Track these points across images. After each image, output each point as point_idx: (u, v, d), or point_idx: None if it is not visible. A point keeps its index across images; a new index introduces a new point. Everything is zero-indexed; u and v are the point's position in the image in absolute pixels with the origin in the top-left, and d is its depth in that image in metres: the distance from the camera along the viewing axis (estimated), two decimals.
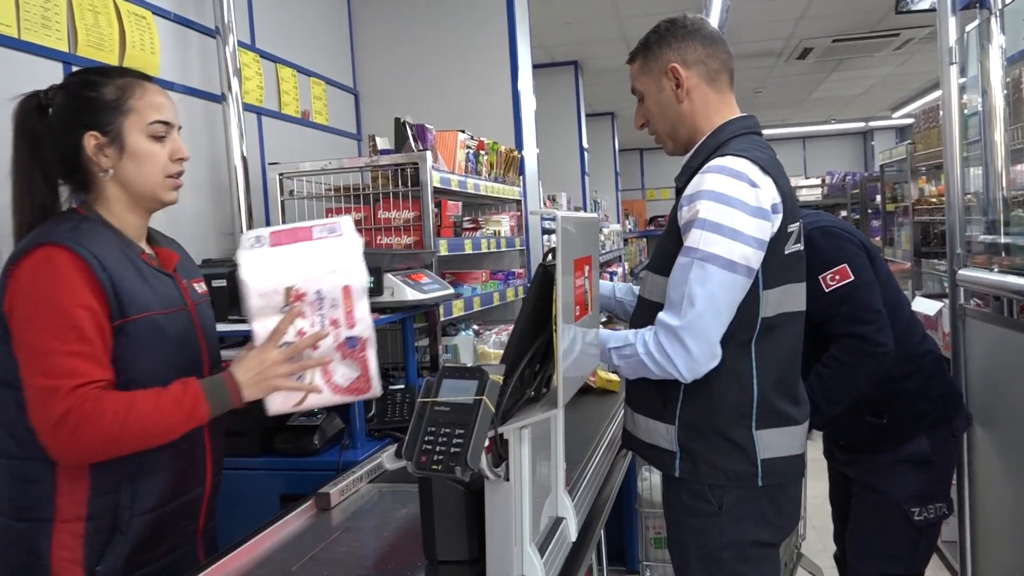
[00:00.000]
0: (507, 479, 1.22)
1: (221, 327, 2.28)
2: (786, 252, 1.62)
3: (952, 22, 2.40)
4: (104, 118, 1.42)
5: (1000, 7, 2.31)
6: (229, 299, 2.34)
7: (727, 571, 1.65)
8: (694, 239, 1.53)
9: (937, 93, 9.28)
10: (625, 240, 10.26)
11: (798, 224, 1.67)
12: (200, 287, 1.63)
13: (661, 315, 1.57)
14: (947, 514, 2.26)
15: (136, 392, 1.35)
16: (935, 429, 2.22)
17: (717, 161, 1.57)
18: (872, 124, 14.50)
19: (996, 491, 2.40)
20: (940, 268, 4.35)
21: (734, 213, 1.51)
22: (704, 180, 1.56)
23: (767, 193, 1.56)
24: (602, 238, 8.83)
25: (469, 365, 1.17)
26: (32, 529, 1.37)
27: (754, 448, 1.61)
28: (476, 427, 1.09)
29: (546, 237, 4.50)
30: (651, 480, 2.81)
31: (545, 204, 5.43)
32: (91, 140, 1.42)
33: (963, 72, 2.48)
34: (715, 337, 1.53)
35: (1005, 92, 2.38)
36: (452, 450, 1.08)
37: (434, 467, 1.08)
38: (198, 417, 1.37)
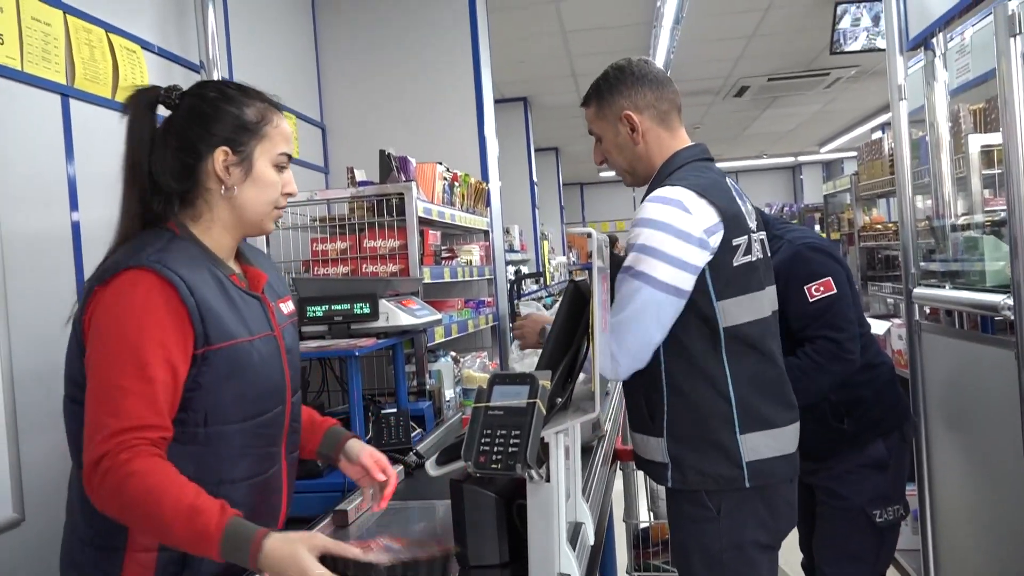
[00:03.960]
0: (548, 481, 1.31)
1: None
2: (735, 264, 1.74)
3: (900, 61, 2.62)
4: (240, 137, 1.40)
5: (943, 50, 2.53)
6: None
7: (729, 572, 1.75)
8: (631, 260, 1.69)
9: (862, 129, 9.76)
10: (570, 272, 10.45)
11: (746, 237, 1.77)
12: (287, 307, 1.57)
13: None
14: (904, 515, 2.42)
15: (171, 482, 1.21)
16: (890, 434, 2.39)
17: (655, 192, 1.74)
18: (800, 159, 15.17)
19: (955, 495, 2.57)
20: (885, 290, 4.62)
21: (666, 238, 1.66)
22: (643, 208, 1.73)
23: (700, 218, 1.69)
24: (551, 269, 9.02)
25: (518, 372, 1.25)
26: (105, 557, 1.33)
27: (739, 451, 1.72)
28: (532, 428, 1.17)
29: (511, 268, 4.61)
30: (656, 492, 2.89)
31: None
32: (221, 155, 1.38)
33: None
34: (633, 343, 1.67)
35: (950, 124, 2.60)
36: (510, 450, 1.16)
37: (493, 466, 1.16)
38: (202, 550, 1.19)
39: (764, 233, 1.92)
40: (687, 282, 1.67)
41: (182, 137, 1.38)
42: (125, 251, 1.33)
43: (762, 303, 1.81)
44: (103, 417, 1.22)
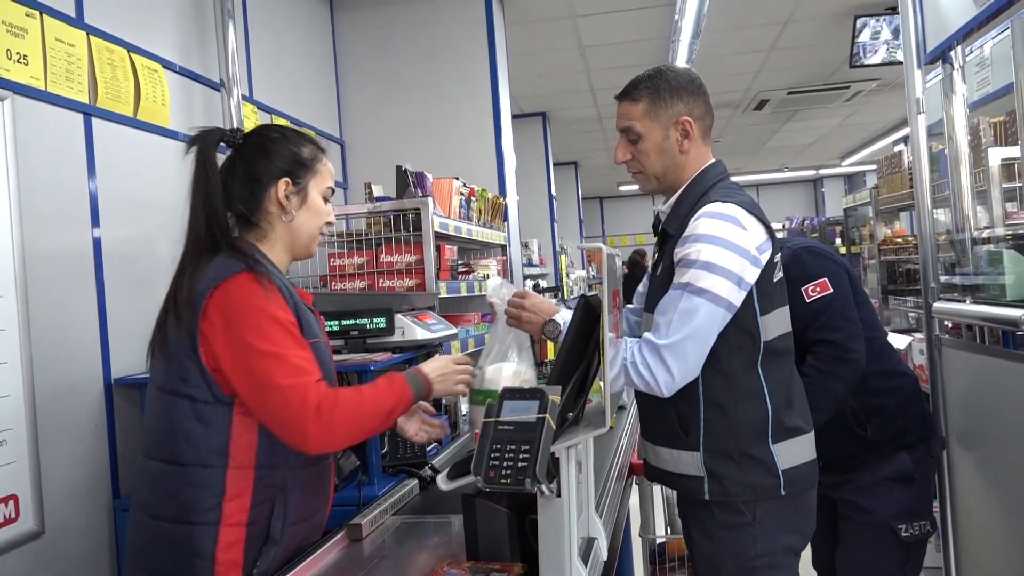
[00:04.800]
0: (559, 495, 1.31)
1: None
2: (774, 280, 1.78)
3: (918, 75, 2.60)
4: (298, 171, 1.66)
5: (962, 63, 2.51)
6: None
7: None
8: (688, 276, 1.67)
9: (884, 142, 9.64)
10: (589, 286, 10.44)
11: (779, 254, 1.83)
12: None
13: (647, 334, 1.69)
14: (931, 531, 2.38)
15: (352, 388, 1.54)
16: (915, 447, 2.35)
17: (709, 208, 1.72)
18: (822, 172, 15.08)
19: (978, 513, 2.53)
20: (907, 304, 4.57)
21: (725, 254, 1.65)
22: (700, 224, 1.70)
23: (754, 235, 1.71)
24: (570, 283, 9.01)
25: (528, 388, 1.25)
26: (199, 532, 1.47)
27: (774, 461, 1.73)
28: (541, 443, 1.17)
29: (528, 282, 4.61)
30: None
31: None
32: (283, 185, 1.63)
33: None
34: (693, 360, 1.66)
35: (970, 137, 2.58)
36: (519, 464, 1.16)
37: (503, 481, 1.16)
38: (406, 400, 1.59)
39: None
40: (740, 298, 1.68)
41: (250, 169, 1.63)
42: (224, 264, 1.53)
43: (788, 316, 1.85)
44: (301, 378, 1.46)
